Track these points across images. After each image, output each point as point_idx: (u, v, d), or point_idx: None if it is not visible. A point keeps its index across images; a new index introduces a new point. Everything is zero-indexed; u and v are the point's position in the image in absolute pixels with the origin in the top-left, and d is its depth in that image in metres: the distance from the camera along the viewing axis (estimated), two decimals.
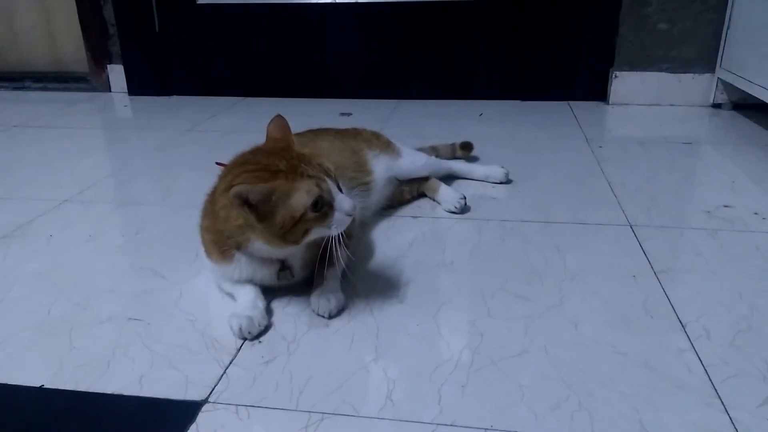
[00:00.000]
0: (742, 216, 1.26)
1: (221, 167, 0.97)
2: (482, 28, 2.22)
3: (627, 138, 1.85)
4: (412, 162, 1.38)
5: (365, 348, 0.87)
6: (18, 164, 1.73)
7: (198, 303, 1.00)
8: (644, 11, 2.06)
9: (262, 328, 0.91)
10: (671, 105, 2.14)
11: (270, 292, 0.99)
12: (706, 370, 0.80)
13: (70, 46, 2.65)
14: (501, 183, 1.46)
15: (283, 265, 0.97)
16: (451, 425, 0.72)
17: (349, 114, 2.15)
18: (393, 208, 1.34)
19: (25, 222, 1.32)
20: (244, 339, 0.89)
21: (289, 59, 2.38)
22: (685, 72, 2.10)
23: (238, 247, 0.93)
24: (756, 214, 1.27)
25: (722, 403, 0.75)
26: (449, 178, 1.47)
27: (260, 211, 0.85)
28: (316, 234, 0.90)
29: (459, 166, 1.51)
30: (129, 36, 2.45)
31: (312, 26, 2.32)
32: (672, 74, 2.11)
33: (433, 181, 1.39)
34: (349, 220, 0.90)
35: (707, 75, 2.09)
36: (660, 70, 2.12)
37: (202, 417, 0.75)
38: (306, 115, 2.09)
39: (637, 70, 2.13)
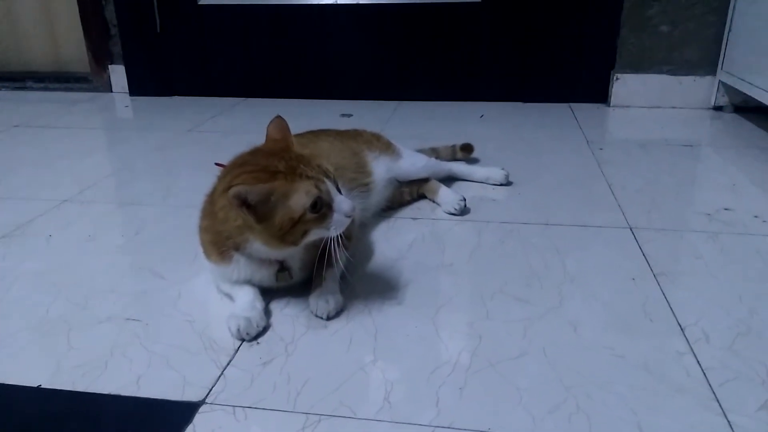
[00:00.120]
0: (743, 219, 1.26)
1: (220, 168, 0.97)
2: (483, 29, 2.22)
3: (628, 140, 1.85)
4: (412, 163, 1.38)
5: (363, 349, 0.87)
6: (18, 164, 1.73)
7: (197, 304, 1.00)
8: (646, 13, 2.06)
9: (261, 329, 0.91)
10: (672, 107, 2.14)
11: (268, 293, 0.99)
12: (704, 373, 0.80)
13: (71, 46, 2.65)
14: (501, 185, 1.46)
15: (282, 266, 0.97)
16: (449, 427, 0.72)
17: (350, 115, 2.15)
18: (393, 209, 1.34)
19: (25, 222, 1.32)
20: (243, 340, 0.89)
21: (290, 60, 2.38)
22: (686, 74, 2.10)
23: (237, 248, 0.93)
24: (756, 217, 1.27)
25: (721, 406, 0.74)
26: (449, 180, 1.47)
27: (259, 211, 0.85)
28: (315, 235, 0.89)
29: (459, 167, 1.51)
30: (130, 36, 2.45)
31: (313, 27, 2.32)
32: (673, 77, 2.11)
33: (433, 183, 1.39)
34: (348, 221, 0.90)
35: (708, 77, 2.09)
36: (661, 72, 2.11)
37: (199, 418, 0.75)
38: (307, 116, 2.09)
39: (638, 73, 2.13)
